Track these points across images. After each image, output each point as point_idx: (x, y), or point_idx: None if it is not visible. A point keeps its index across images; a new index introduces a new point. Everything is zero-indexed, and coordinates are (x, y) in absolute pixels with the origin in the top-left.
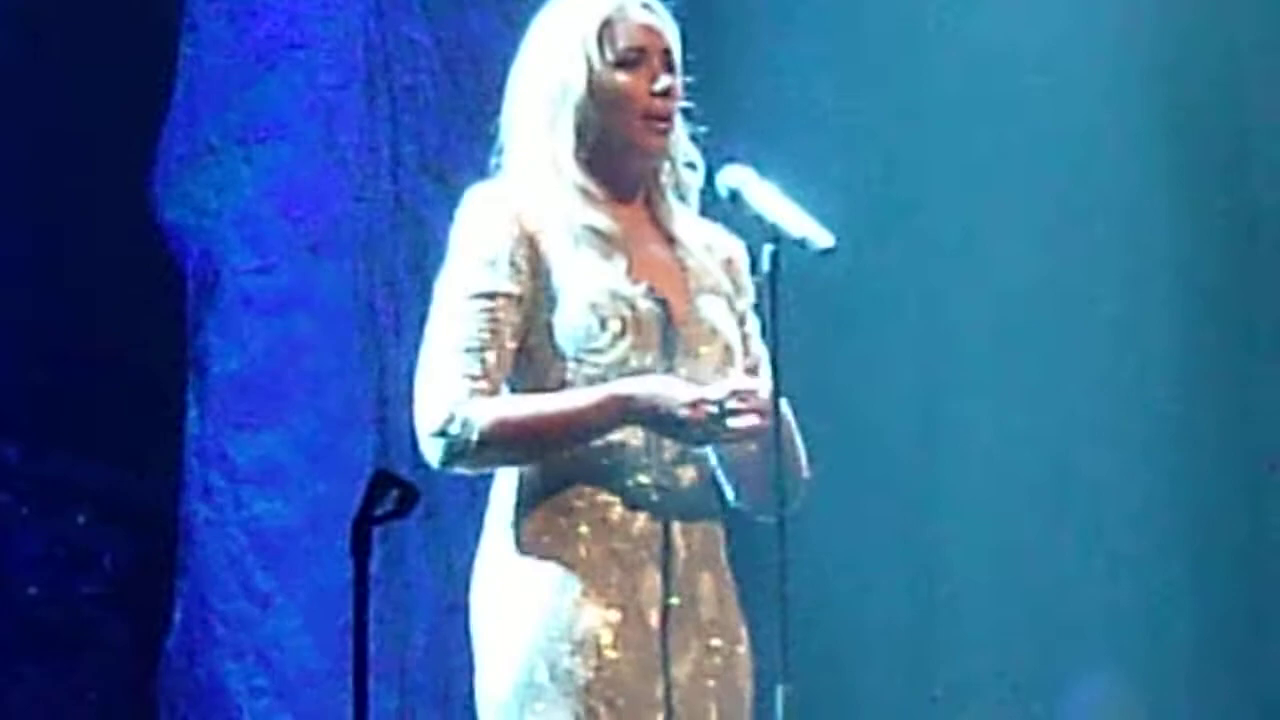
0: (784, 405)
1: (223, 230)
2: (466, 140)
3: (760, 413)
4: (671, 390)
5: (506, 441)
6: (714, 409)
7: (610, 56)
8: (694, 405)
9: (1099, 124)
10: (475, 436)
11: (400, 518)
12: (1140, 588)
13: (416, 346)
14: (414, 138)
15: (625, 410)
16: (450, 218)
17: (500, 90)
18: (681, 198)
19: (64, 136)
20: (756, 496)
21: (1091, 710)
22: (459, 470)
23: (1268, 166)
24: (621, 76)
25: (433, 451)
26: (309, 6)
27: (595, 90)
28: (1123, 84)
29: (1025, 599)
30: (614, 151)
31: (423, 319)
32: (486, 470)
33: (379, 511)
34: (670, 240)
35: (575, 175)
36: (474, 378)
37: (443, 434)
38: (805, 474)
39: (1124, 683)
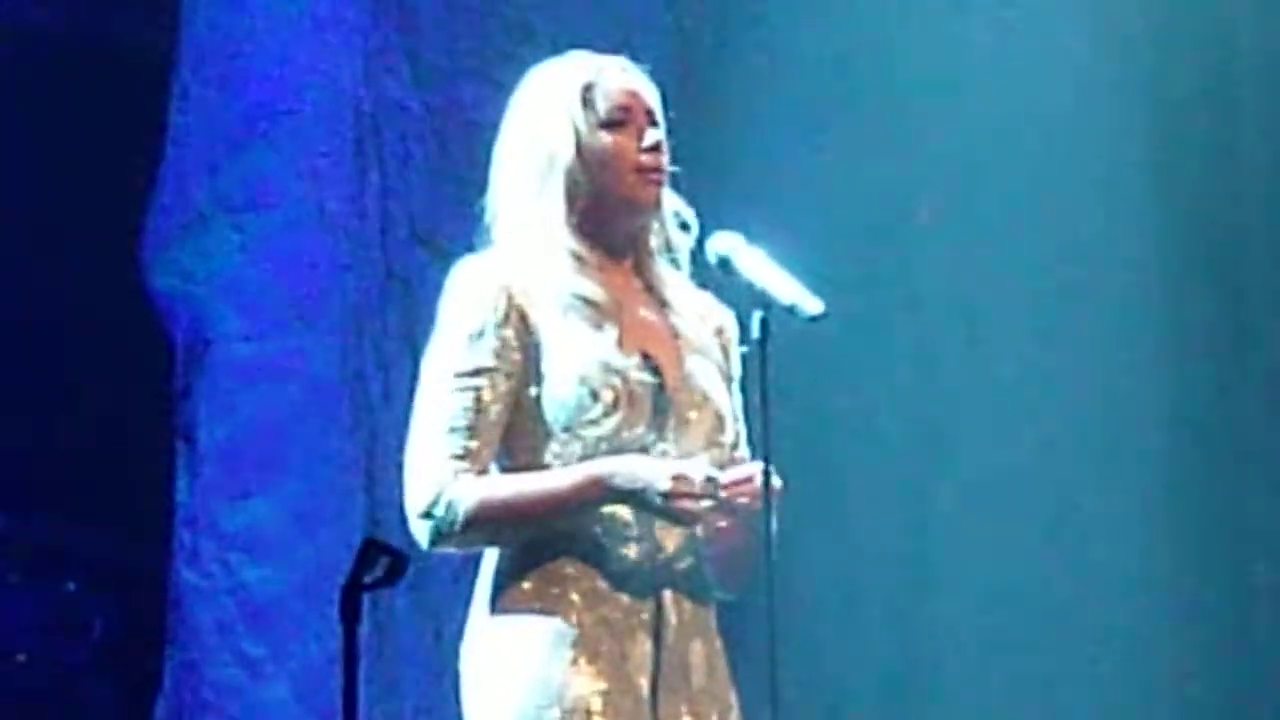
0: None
1: (212, 298)
2: (456, 207)
3: (748, 496)
4: (651, 469)
5: (490, 523)
6: (695, 488)
7: (595, 119)
8: (676, 479)
9: (1093, 182)
10: (459, 519)
11: (390, 585)
12: (1129, 652)
13: (406, 414)
14: (404, 205)
15: (605, 490)
16: (440, 285)
17: (490, 158)
18: (673, 261)
19: (53, 203)
20: (717, 573)
21: None
22: (447, 551)
23: (1261, 238)
24: (608, 137)
25: (421, 534)
26: (299, 74)
27: (584, 153)
28: (1116, 143)
29: (1015, 660)
30: (606, 211)
31: (412, 387)
32: (473, 550)
33: (368, 579)
34: (661, 304)
35: (566, 240)
36: (459, 458)
37: (428, 516)
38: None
39: None
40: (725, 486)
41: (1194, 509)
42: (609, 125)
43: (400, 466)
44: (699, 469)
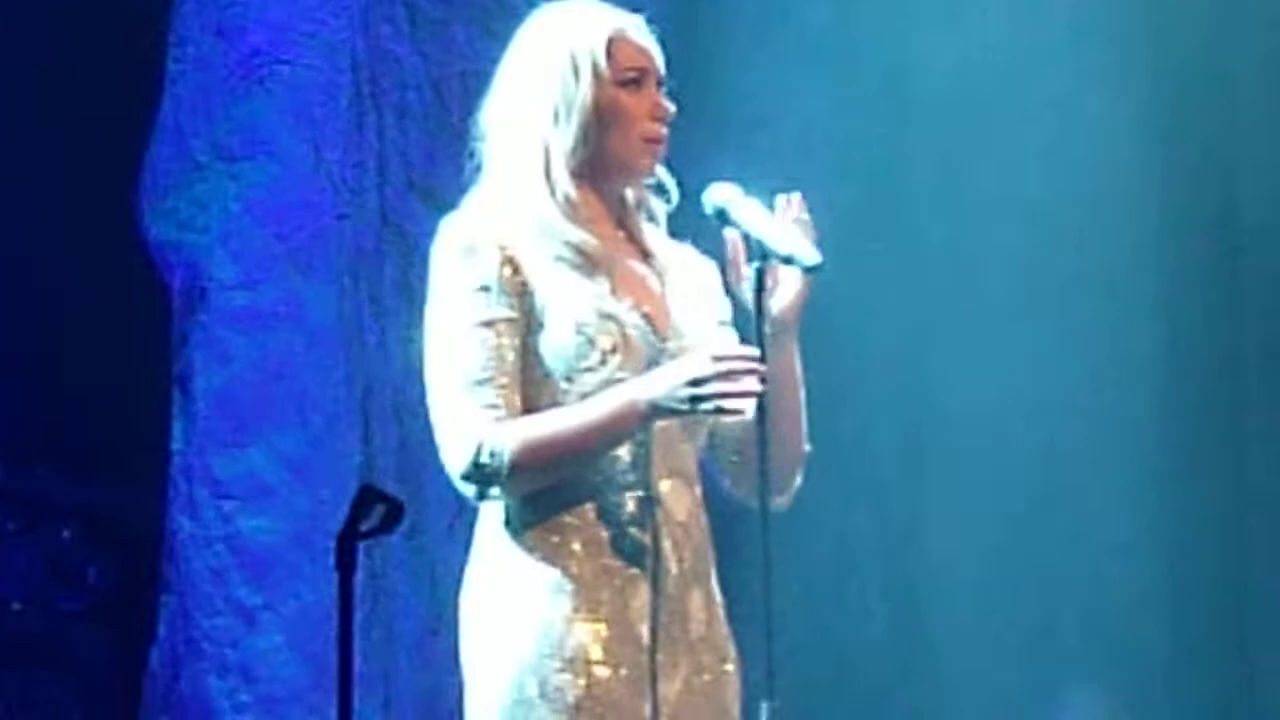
0: (798, 380)
1: (208, 246)
2: (453, 157)
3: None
4: (668, 379)
5: (536, 464)
6: (711, 381)
7: (614, 75)
8: (691, 384)
9: (1092, 139)
10: (506, 464)
11: (386, 533)
12: (1123, 608)
13: (402, 363)
14: (400, 154)
15: (641, 410)
16: (436, 234)
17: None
18: (650, 218)
19: (49, 152)
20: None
21: None
22: (494, 497)
23: (1254, 209)
24: (625, 96)
25: (468, 487)
26: (296, 23)
27: (600, 107)
28: (1116, 101)
29: (1009, 617)
30: (604, 169)
31: (409, 335)
32: (519, 494)
33: (364, 527)
34: (646, 256)
35: (567, 187)
36: (493, 407)
37: (476, 466)
38: (806, 446)
39: (1105, 702)
40: (731, 358)
41: (1188, 465)
42: (624, 84)
43: (396, 413)
44: (702, 360)
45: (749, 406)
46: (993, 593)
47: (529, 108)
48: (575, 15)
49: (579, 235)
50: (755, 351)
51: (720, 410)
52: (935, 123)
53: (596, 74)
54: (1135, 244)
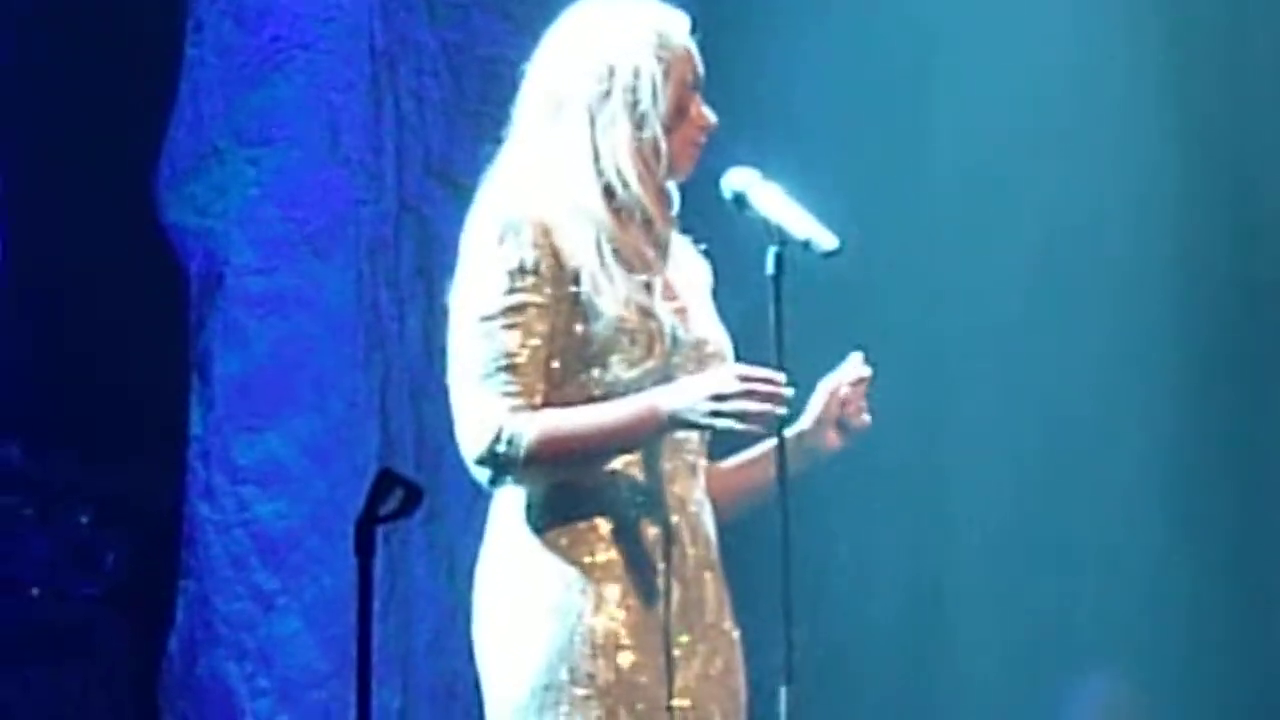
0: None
1: (227, 231)
2: (471, 142)
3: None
4: (692, 393)
5: (553, 457)
6: (730, 401)
7: (689, 75)
8: (713, 399)
9: (1105, 131)
10: (523, 452)
11: (404, 517)
12: (1137, 591)
13: (420, 347)
14: (418, 140)
15: (662, 418)
16: (454, 219)
17: (504, 93)
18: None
19: (69, 138)
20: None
21: (1089, 714)
22: (508, 484)
23: (1272, 183)
24: (692, 103)
25: (482, 472)
26: (314, 8)
27: (678, 106)
28: (1131, 93)
29: (1026, 602)
30: (657, 165)
31: (426, 319)
32: (530, 485)
33: (383, 511)
34: (666, 255)
35: (658, 159)
36: (515, 394)
37: (492, 452)
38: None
39: (1121, 687)
40: (755, 379)
41: (1204, 450)
42: (693, 90)
43: (414, 398)
44: (726, 377)
45: (764, 428)
46: (1008, 581)
47: (615, 92)
48: (663, 13)
49: (624, 225)
50: (780, 375)
51: (737, 431)
52: (953, 109)
53: (687, 76)
54: (1150, 228)
